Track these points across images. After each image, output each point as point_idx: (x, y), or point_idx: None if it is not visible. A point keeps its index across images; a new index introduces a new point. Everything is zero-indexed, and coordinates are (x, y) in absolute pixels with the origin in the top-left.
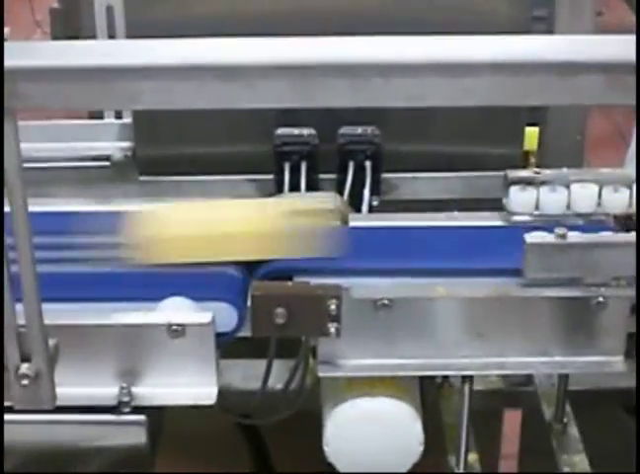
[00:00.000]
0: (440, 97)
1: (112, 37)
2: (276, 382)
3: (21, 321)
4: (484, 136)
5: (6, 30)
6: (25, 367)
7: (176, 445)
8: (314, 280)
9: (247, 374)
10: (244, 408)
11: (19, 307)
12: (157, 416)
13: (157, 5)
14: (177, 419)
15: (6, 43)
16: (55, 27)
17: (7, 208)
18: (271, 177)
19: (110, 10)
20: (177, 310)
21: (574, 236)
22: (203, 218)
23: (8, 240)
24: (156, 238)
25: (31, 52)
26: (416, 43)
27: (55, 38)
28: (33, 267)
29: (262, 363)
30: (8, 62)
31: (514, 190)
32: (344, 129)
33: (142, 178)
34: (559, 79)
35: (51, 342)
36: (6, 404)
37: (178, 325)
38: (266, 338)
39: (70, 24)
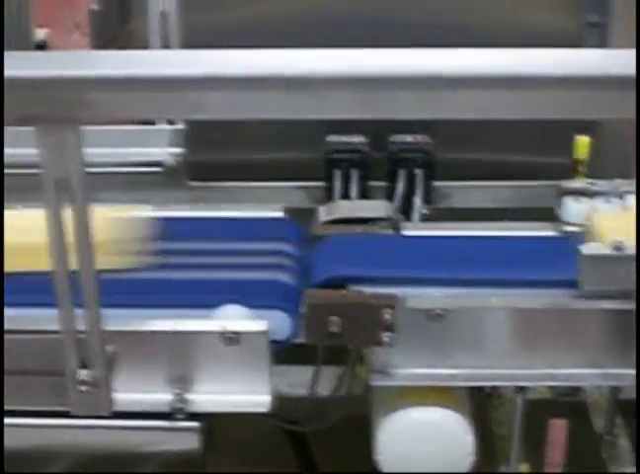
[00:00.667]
0: (507, 110)
1: (165, 43)
2: (323, 389)
3: (79, 327)
4: (535, 145)
5: (45, 31)
6: (83, 374)
7: (222, 451)
8: (367, 289)
9: (294, 381)
10: (291, 414)
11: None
12: (209, 422)
13: (213, 12)
14: (224, 424)
15: (70, 53)
16: (95, 29)
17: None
18: (321, 184)
19: (164, 16)
20: (232, 318)
21: (630, 248)
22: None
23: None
24: None
25: (96, 61)
26: (483, 55)
27: (95, 39)
28: (93, 273)
29: (309, 370)
30: (72, 71)
31: (567, 200)
32: (395, 137)
33: (193, 183)
34: (622, 93)
35: (109, 348)
36: (62, 409)
37: (233, 333)
38: (313, 344)
39: (110, 26)
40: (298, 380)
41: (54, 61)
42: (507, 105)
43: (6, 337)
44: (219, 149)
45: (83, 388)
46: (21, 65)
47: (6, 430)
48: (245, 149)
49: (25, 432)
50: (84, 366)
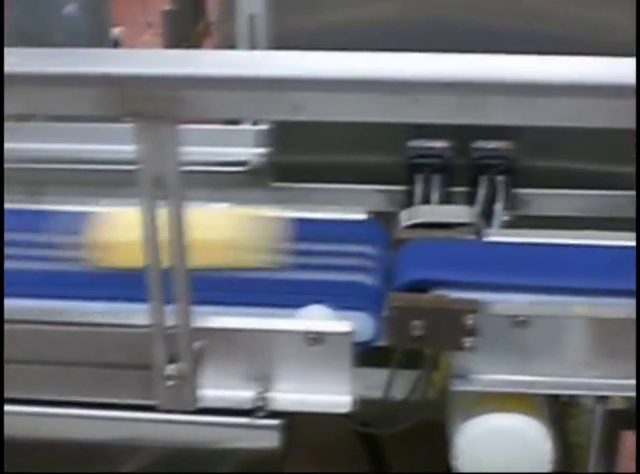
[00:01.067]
0: (601, 118)
1: (252, 45)
2: (397, 392)
3: (169, 322)
4: (618, 154)
5: (118, 30)
6: (171, 368)
7: (294, 451)
8: (450, 293)
9: (368, 383)
10: (365, 417)
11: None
12: (290, 421)
13: (301, 15)
14: (297, 424)
15: (172, 51)
16: (168, 28)
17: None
18: (401, 188)
19: (252, 19)
20: (316, 318)
21: None
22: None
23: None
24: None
25: (198, 60)
26: (578, 63)
27: (167, 39)
28: (186, 269)
29: (383, 373)
30: (175, 70)
31: None
32: (477, 143)
33: (275, 184)
34: None
35: (197, 344)
36: (149, 403)
37: (317, 333)
38: (387, 347)
39: (182, 26)
40: (372, 383)
41: (157, 59)
42: (602, 113)
43: (95, 330)
44: (303, 151)
45: (170, 383)
46: (122, 63)
47: (91, 422)
48: (328, 151)
49: (107, 424)
50: (172, 361)
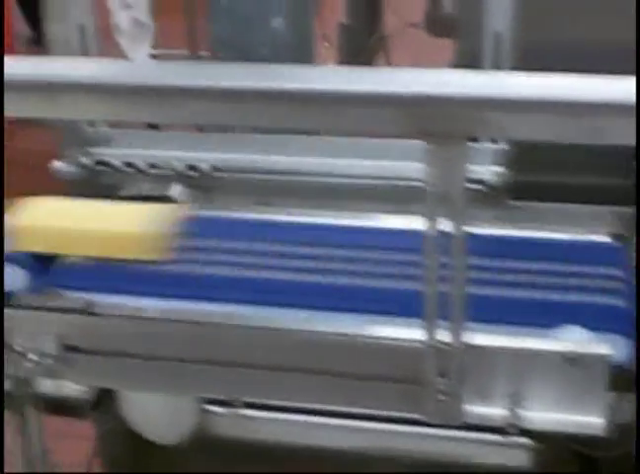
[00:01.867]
0: None
1: (497, 64)
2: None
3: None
4: None
5: None
6: (442, 383)
7: None
8: None
9: None
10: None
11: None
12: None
13: (549, 33)
14: None
15: (469, 72)
16: (342, 42)
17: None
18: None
19: (497, 37)
20: (572, 339)
21: None
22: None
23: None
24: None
25: (499, 82)
26: None
27: (342, 53)
28: (463, 288)
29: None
30: (478, 91)
31: None
32: None
33: (513, 203)
34: None
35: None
36: (416, 416)
37: (576, 354)
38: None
39: (357, 40)
40: None
41: (457, 80)
42: None
43: (362, 341)
44: (539, 170)
45: (441, 397)
46: (418, 82)
47: (345, 431)
48: (565, 172)
49: (360, 434)
50: (441, 376)
